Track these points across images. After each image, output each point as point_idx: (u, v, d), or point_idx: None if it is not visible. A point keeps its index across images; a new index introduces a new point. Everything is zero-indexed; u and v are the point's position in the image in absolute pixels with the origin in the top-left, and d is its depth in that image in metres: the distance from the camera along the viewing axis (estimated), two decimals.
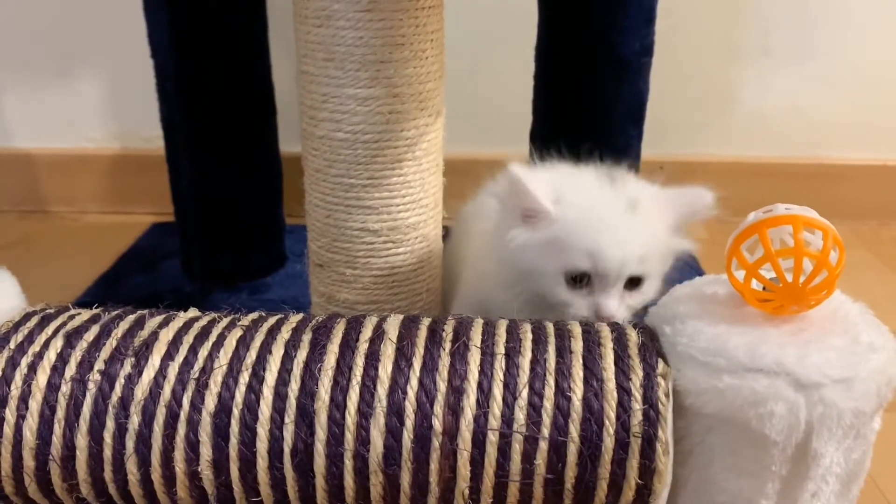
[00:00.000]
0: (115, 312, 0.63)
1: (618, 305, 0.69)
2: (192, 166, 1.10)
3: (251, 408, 0.54)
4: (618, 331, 0.58)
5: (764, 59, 1.41)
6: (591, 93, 1.05)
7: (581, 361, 0.55)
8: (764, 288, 0.54)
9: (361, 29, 0.73)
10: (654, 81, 1.39)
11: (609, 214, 0.69)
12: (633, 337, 0.57)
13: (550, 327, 0.59)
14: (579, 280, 0.69)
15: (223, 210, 1.13)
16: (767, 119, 1.45)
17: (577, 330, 0.59)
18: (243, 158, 1.11)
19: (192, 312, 0.63)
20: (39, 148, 1.53)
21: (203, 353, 0.57)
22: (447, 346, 0.56)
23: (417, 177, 0.80)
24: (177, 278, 1.19)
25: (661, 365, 0.55)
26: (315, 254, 0.85)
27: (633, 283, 0.70)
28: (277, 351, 0.56)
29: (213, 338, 0.58)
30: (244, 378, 0.55)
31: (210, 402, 0.55)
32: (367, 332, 0.58)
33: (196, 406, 0.55)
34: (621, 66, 1.03)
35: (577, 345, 0.56)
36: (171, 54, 1.04)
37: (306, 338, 0.57)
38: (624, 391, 0.54)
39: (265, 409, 0.54)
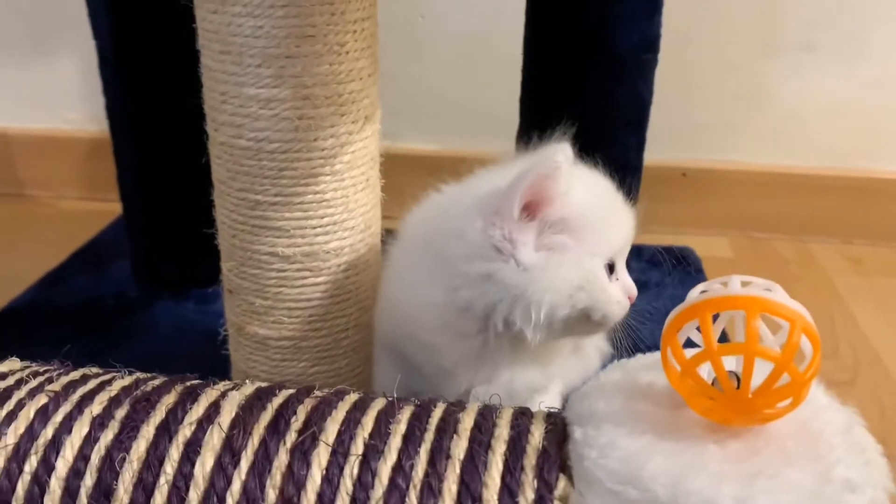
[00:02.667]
0: None
1: None
2: (135, 161, 1.00)
3: None
4: (519, 427, 0.45)
5: (805, 55, 1.22)
6: (581, 93, 0.90)
7: (457, 473, 0.42)
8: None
9: (261, 17, 0.60)
10: (676, 78, 1.23)
11: (596, 178, 0.62)
12: (536, 439, 0.44)
13: (437, 413, 0.46)
14: (611, 268, 0.59)
15: (169, 209, 1.01)
16: (807, 123, 1.27)
17: (467, 421, 0.45)
18: (191, 154, 0.98)
19: (9, 364, 0.52)
20: (16, 127, 1.45)
21: None
22: (290, 438, 0.44)
23: (339, 195, 0.67)
24: (124, 282, 1.08)
25: (561, 484, 0.41)
26: (225, 277, 0.73)
27: None
28: (80, 429, 0.45)
29: (10, 405, 0.46)
30: (31, 464, 0.43)
31: None
32: (197, 410, 0.45)
33: None
34: (616, 64, 0.88)
35: (459, 446, 0.43)
36: (109, 37, 0.93)
37: (120, 413, 0.45)
38: None
39: None
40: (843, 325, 1.05)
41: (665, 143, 1.29)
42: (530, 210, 0.55)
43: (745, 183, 1.30)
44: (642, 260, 1.16)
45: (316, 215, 0.66)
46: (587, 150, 0.91)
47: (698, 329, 0.41)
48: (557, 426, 0.45)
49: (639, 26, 0.86)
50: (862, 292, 1.14)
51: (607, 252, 0.57)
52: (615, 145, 0.92)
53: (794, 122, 1.27)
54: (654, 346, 0.96)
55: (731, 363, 0.40)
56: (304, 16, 0.60)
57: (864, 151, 1.27)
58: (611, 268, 0.58)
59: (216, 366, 0.77)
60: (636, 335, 0.99)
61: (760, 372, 0.39)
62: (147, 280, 1.05)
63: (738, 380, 0.40)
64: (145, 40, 0.92)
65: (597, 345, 0.87)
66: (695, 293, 0.41)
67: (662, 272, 1.14)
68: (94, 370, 0.52)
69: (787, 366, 0.37)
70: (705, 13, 1.21)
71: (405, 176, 1.35)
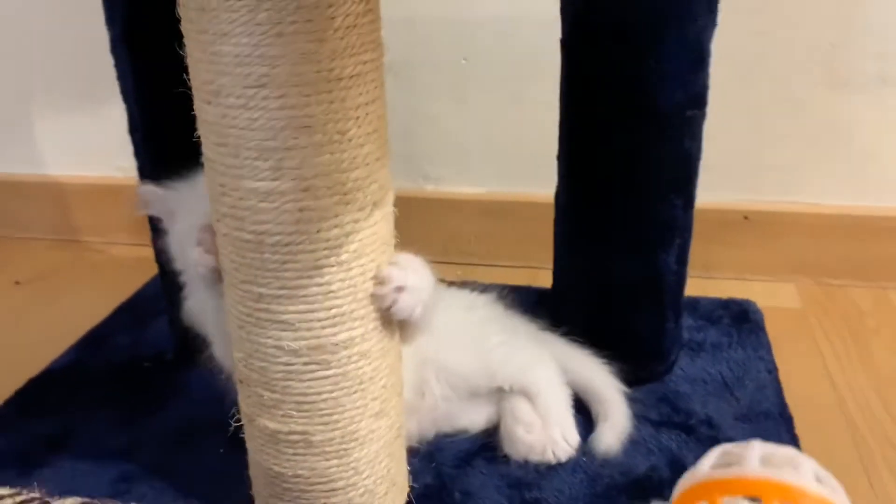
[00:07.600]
0: None
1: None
2: None
3: None
4: None
5: (880, 89, 1.12)
6: (621, 152, 0.83)
7: None
8: None
9: (255, 108, 0.56)
10: (740, 117, 1.16)
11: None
12: None
13: None
14: None
15: None
16: (884, 162, 1.16)
17: None
18: None
19: None
20: (70, 176, 1.48)
21: None
22: None
23: (346, 285, 0.63)
24: (162, 341, 1.08)
25: None
26: (237, 367, 0.70)
27: None
28: None
29: None
30: None
31: None
32: None
33: None
34: (658, 122, 0.81)
35: None
36: (136, 102, 0.92)
37: None
38: None
39: None
40: None
41: (725, 184, 1.21)
42: None
43: (815, 226, 1.21)
44: (698, 316, 1.08)
45: (322, 307, 0.63)
46: (634, 211, 0.85)
47: None
48: None
49: (683, 82, 0.79)
50: None
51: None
52: (662, 204, 0.85)
53: (868, 160, 1.17)
54: (705, 417, 0.89)
55: None
56: (300, 106, 0.56)
57: None
58: None
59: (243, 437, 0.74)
60: (687, 405, 0.92)
61: None
62: (182, 340, 1.04)
63: None
64: (170, 105, 0.90)
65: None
66: (705, 465, 0.35)
67: (720, 330, 1.06)
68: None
69: None
70: (769, 48, 1.13)
71: (449, 220, 1.31)
